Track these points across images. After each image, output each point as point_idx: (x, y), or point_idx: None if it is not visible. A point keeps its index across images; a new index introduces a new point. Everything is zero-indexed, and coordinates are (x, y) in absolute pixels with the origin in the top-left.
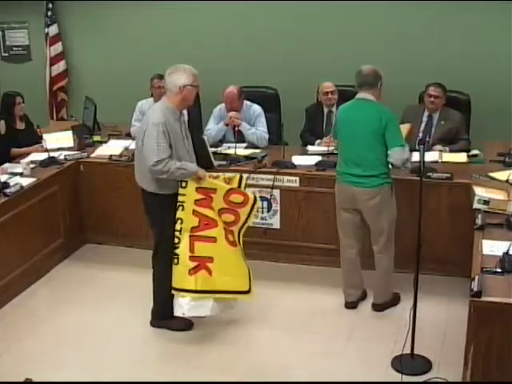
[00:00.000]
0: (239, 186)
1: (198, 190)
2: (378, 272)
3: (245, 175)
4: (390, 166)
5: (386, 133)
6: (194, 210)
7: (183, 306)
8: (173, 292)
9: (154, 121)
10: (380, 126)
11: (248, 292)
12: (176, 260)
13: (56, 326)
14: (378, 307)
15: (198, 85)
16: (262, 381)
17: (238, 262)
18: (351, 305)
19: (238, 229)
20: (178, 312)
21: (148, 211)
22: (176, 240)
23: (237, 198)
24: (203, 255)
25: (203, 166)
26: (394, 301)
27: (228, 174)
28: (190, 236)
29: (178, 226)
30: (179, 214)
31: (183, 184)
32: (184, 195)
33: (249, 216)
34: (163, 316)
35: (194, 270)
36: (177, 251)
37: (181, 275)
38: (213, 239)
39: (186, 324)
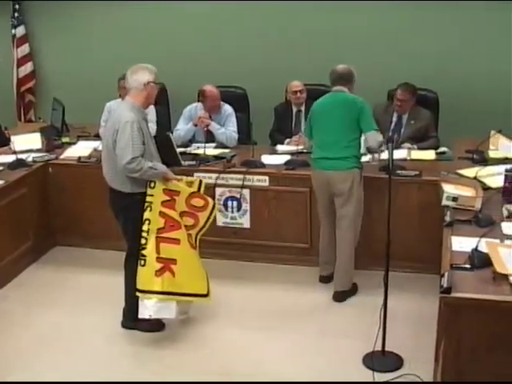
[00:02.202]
0: (198, 190)
1: (164, 191)
2: (339, 259)
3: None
4: (361, 152)
5: (361, 118)
6: (160, 211)
7: (149, 308)
8: (137, 294)
9: (128, 119)
10: (355, 112)
11: (207, 295)
12: (143, 261)
13: (30, 329)
14: (339, 296)
15: (159, 83)
16: (236, 381)
17: (198, 264)
18: (324, 279)
19: (196, 232)
20: (144, 314)
21: (121, 213)
22: (143, 241)
23: (198, 201)
24: (168, 257)
25: (170, 164)
26: (354, 290)
27: (190, 178)
28: (156, 237)
29: (145, 227)
30: (147, 214)
31: (151, 184)
32: (152, 196)
33: (207, 220)
34: (136, 317)
35: (160, 272)
36: (144, 252)
37: (147, 277)
38: (177, 241)
39: (157, 325)
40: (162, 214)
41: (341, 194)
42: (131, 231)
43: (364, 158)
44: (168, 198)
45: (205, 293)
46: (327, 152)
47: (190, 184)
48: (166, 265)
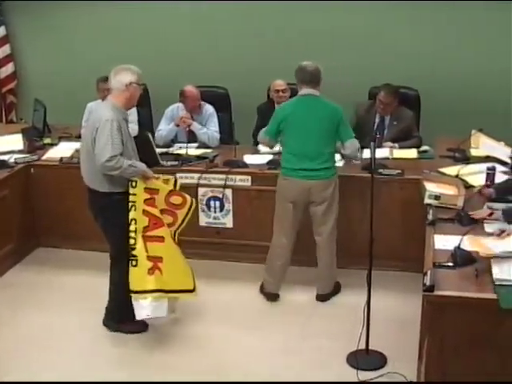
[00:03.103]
0: (174, 187)
1: (145, 189)
2: (322, 264)
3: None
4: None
5: (340, 127)
6: (144, 210)
7: (146, 307)
8: (132, 296)
9: (108, 117)
10: (335, 121)
11: (193, 291)
12: (134, 262)
13: (17, 330)
14: (323, 297)
15: (142, 84)
16: (222, 381)
17: (182, 260)
18: (272, 297)
19: (175, 230)
20: (141, 315)
21: (101, 214)
22: (132, 241)
23: (177, 199)
24: (154, 255)
25: (149, 163)
26: (337, 289)
27: (165, 176)
28: (143, 236)
29: (132, 227)
30: (132, 214)
31: (133, 183)
32: (134, 195)
33: (185, 217)
34: (120, 319)
35: (151, 270)
36: (134, 252)
37: (140, 277)
38: (161, 239)
39: (141, 326)
40: (145, 212)
41: (323, 201)
42: (111, 232)
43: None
44: (149, 197)
45: (191, 288)
46: (309, 163)
47: (166, 182)
48: (155, 263)
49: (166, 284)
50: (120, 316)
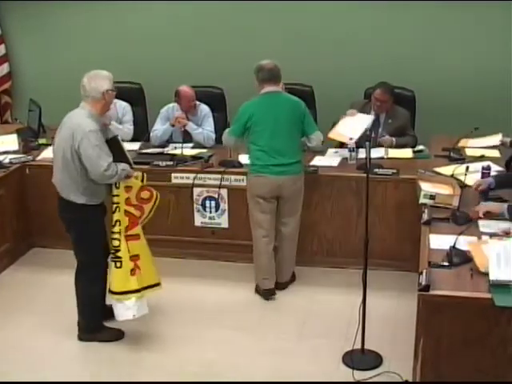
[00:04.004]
0: (142, 182)
1: (125, 188)
2: (285, 254)
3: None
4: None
5: (306, 119)
6: (125, 210)
7: (132, 307)
8: (115, 297)
9: (91, 128)
10: (299, 114)
11: (160, 284)
12: (119, 263)
13: (11, 330)
14: (283, 285)
15: (115, 90)
16: (216, 381)
17: (151, 254)
18: (269, 293)
19: (140, 222)
20: (127, 316)
21: (74, 225)
22: (116, 243)
23: (146, 194)
24: (134, 253)
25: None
26: (293, 278)
27: (135, 172)
28: (125, 236)
29: (117, 229)
30: (116, 215)
31: (117, 184)
32: (118, 196)
33: (151, 211)
34: (93, 329)
35: (133, 271)
36: (119, 254)
37: (123, 278)
38: (138, 236)
39: (117, 334)
40: (126, 212)
41: (291, 196)
42: (85, 243)
43: (342, 157)
44: (127, 196)
45: (159, 282)
46: (280, 158)
47: (136, 177)
48: (135, 262)
49: (144, 281)
50: (93, 326)
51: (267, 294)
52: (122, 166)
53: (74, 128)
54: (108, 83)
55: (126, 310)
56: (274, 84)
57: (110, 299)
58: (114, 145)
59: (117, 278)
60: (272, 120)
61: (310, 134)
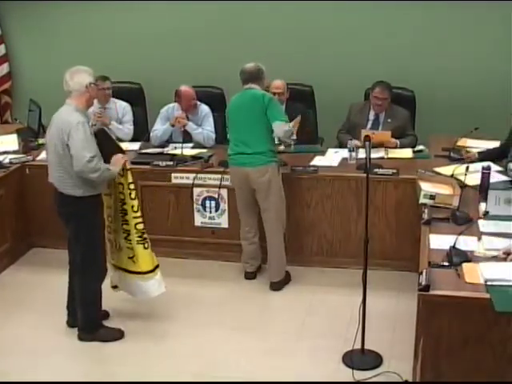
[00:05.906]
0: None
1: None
2: (271, 250)
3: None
4: (275, 144)
5: (268, 110)
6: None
7: (161, 281)
8: (146, 276)
9: (79, 120)
10: (263, 105)
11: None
12: (146, 244)
13: (10, 330)
14: (276, 286)
15: (97, 84)
16: (216, 381)
17: None
18: (250, 275)
19: None
20: (161, 290)
21: (73, 219)
22: (141, 226)
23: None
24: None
25: (116, 154)
26: (288, 278)
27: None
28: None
29: (139, 213)
30: (136, 201)
31: (121, 172)
32: (132, 182)
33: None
34: (93, 328)
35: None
36: (145, 235)
37: (150, 255)
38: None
39: (117, 334)
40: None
41: (261, 188)
42: (84, 238)
43: (342, 157)
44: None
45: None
46: (243, 148)
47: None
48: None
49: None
50: (93, 325)
51: (247, 276)
52: (110, 166)
53: (62, 123)
54: (89, 77)
55: (159, 285)
56: (251, 83)
57: (136, 282)
58: (102, 137)
59: (146, 257)
60: (238, 113)
61: (272, 122)
